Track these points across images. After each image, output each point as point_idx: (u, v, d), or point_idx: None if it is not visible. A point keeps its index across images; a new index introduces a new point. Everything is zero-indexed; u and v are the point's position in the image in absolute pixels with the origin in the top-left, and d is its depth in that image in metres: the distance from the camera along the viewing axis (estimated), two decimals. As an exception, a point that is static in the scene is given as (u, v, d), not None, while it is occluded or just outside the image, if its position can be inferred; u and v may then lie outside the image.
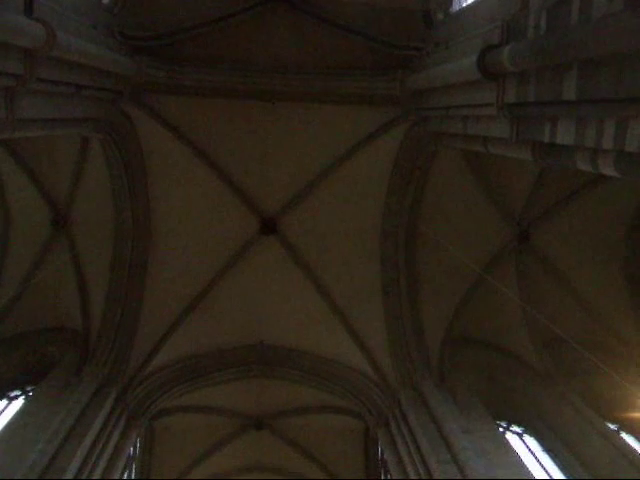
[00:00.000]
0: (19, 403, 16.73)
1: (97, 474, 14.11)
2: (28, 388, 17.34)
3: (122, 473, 18.42)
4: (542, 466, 16.70)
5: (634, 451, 16.50)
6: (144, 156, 15.75)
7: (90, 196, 16.68)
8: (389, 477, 18.98)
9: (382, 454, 19.29)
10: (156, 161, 15.97)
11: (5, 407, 16.54)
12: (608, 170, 7.06)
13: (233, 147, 16.05)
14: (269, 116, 15.52)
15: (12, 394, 17.20)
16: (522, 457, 15.67)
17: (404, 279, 18.01)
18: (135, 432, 16.75)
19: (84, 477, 13.43)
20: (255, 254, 17.66)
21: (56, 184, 16.83)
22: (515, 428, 18.48)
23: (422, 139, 14.83)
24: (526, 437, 18.16)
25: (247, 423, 21.75)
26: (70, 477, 12.92)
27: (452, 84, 10.81)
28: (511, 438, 17.58)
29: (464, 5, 12.74)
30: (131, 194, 16.23)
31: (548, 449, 17.57)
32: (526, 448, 17.48)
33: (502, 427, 18.06)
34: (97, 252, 17.18)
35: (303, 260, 17.83)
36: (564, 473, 16.63)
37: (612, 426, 18.11)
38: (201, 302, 17.82)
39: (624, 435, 18.22)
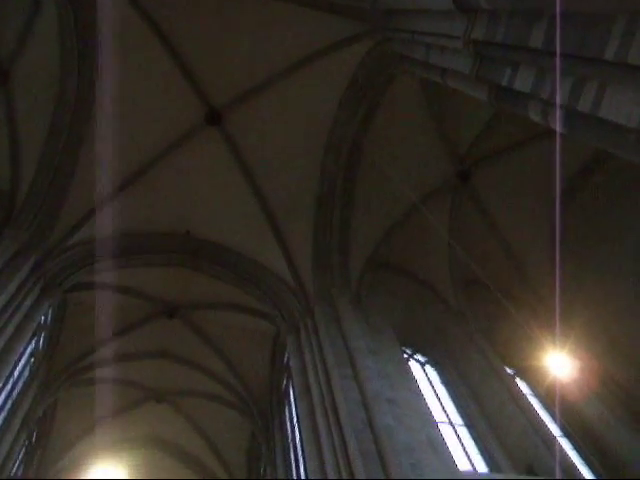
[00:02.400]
0: None
1: (4, 337, 14.07)
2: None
3: (30, 340, 18.41)
4: (437, 396, 17.42)
5: (524, 397, 17.40)
6: (99, 24, 15.06)
7: (36, 57, 15.90)
8: (291, 383, 19.50)
9: (288, 361, 19.75)
10: (111, 32, 15.30)
11: None
12: (557, 125, 7.14)
13: (192, 31, 15.50)
14: (234, 7, 15.01)
15: None
16: (420, 385, 16.35)
17: (339, 196, 18.08)
18: (48, 302, 16.62)
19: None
20: (196, 144, 17.33)
21: (2, 36, 16.01)
22: (419, 357, 19.14)
23: (383, 59, 14.59)
24: (428, 367, 18.85)
25: (161, 310, 21.79)
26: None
27: (424, 9, 10.61)
28: (413, 365, 18.24)
29: None
30: (79, 61, 15.56)
31: (446, 382, 18.31)
32: (426, 377, 18.17)
33: (407, 354, 18.67)
34: (35, 114, 16.56)
35: (243, 159, 17.62)
36: (456, 406, 17.42)
37: (509, 371, 18.96)
38: (134, 182, 17.51)
39: (518, 381, 19.12)
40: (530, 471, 15.30)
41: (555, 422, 18.05)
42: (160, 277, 20.35)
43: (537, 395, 19.11)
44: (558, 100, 6.90)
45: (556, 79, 6.81)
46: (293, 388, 18.31)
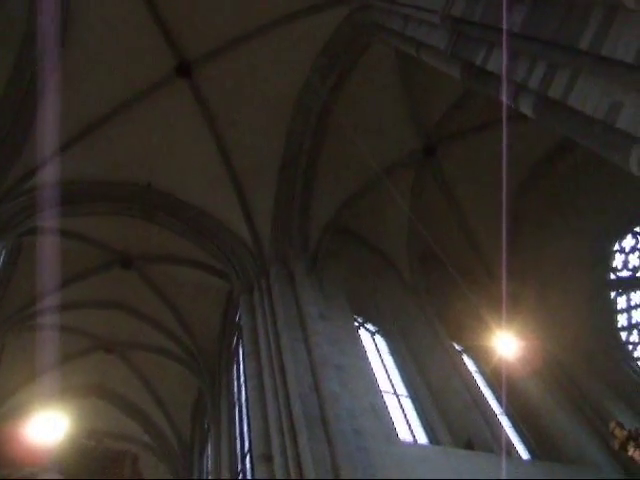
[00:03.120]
0: None
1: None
2: None
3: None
4: (384, 366, 17.64)
5: (469, 373, 17.79)
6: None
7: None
8: (241, 343, 19.56)
9: (239, 320, 19.77)
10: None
11: None
12: (526, 109, 7.20)
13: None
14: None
15: None
16: (369, 353, 16.57)
17: (304, 159, 18.01)
18: (1, 244, 16.38)
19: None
20: (164, 95, 16.99)
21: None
22: (369, 326, 19.33)
23: (360, 27, 14.46)
24: (377, 337, 19.06)
25: (115, 259, 21.54)
26: None
27: (405, -20, 10.55)
28: (363, 334, 18.41)
29: None
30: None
31: (394, 352, 18.54)
32: (375, 346, 18.37)
33: (358, 322, 18.82)
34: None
35: (211, 114, 17.36)
36: (402, 377, 17.68)
37: (457, 347, 19.28)
38: (98, 130, 17.13)
39: (465, 357, 19.45)
40: (469, 446, 15.65)
41: (497, 400, 18.44)
42: (118, 227, 20.12)
43: (482, 373, 19.48)
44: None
45: (533, 64, 6.85)
46: (243, 347, 18.42)
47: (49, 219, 17.74)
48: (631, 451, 8.46)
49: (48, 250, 19.75)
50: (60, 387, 23.77)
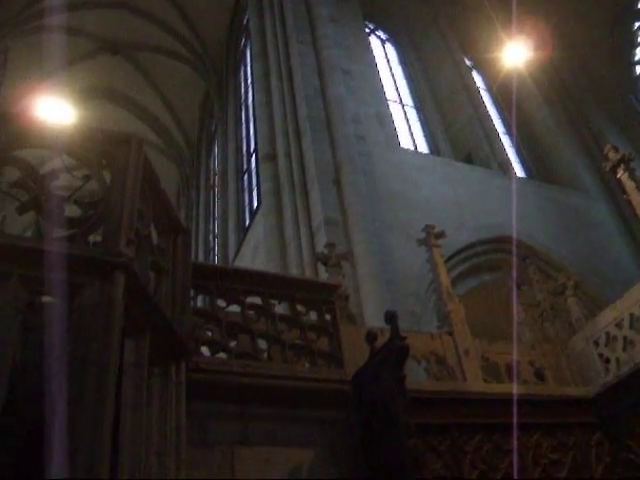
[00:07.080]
0: None
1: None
2: None
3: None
4: (393, 75, 17.49)
5: (477, 89, 17.73)
6: None
7: None
8: (249, 44, 19.15)
9: (247, 21, 19.19)
10: None
11: None
12: None
13: None
14: None
15: None
16: (378, 61, 16.38)
17: None
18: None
19: None
20: None
21: None
22: (380, 33, 18.84)
23: None
24: (388, 45, 18.67)
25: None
26: None
27: None
28: (374, 41, 17.96)
29: None
30: None
31: (404, 62, 18.29)
32: (384, 55, 18.04)
33: (369, 28, 18.28)
34: None
35: None
36: (409, 88, 17.63)
37: (468, 62, 18.92)
38: None
39: (475, 73, 19.20)
40: (468, 160, 16.06)
41: (500, 119, 18.55)
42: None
43: (489, 91, 19.34)
44: None
45: None
46: (250, 49, 18.14)
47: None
48: (620, 173, 8.70)
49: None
50: (68, 90, 23.73)
